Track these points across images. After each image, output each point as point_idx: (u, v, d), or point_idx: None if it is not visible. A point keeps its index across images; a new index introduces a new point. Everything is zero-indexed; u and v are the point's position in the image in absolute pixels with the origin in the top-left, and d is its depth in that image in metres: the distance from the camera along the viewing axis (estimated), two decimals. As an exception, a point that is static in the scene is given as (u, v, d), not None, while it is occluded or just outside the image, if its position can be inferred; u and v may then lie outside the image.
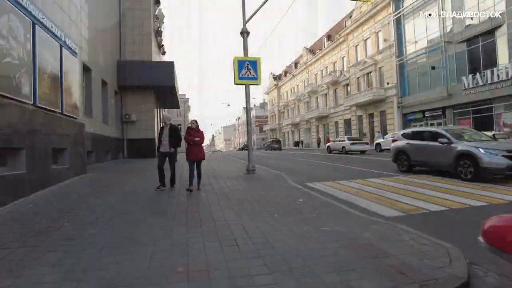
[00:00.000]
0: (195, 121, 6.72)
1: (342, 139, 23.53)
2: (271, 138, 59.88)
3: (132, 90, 18.97)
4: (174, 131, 6.75)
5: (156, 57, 22.34)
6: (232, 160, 17.20)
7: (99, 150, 13.59)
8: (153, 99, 19.60)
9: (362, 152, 21.48)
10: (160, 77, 18.62)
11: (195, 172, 6.63)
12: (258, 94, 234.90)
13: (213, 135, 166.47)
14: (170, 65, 19.30)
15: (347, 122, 37.60)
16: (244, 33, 9.23)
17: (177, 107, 28.11)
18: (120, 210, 4.94)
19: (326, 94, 42.88)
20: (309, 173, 10.35)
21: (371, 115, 32.20)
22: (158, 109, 23.78)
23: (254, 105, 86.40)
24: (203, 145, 6.90)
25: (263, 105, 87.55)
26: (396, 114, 27.74)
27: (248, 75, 9.01)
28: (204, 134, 6.80)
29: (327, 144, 25.87)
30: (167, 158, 6.77)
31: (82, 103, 11.79)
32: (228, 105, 60.38)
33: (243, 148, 60.88)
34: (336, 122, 40.35)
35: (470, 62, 20.95)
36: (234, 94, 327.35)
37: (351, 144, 21.68)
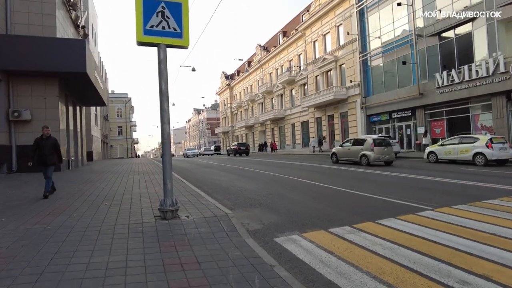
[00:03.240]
0: None
1: (206, 148, 49.53)
2: (215, 145, 55.70)
3: (25, 77, 13.57)
4: None
5: (68, 37, 16.88)
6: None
7: None
8: (58, 91, 14.26)
9: (211, 154, 42.53)
10: (66, 61, 13.39)
11: None
12: (209, 94, 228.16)
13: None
14: (80, 43, 14.02)
15: (305, 125, 34.81)
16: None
17: (102, 104, 22.26)
18: None
19: (281, 95, 39.85)
20: (275, 202, 6.38)
21: (331, 117, 29.54)
22: (71, 106, 18.21)
23: (205, 106, 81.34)
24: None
25: (215, 106, 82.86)
26: (359, 116, 25.21)
27: (164, 28, 4.74)
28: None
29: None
30: None
31: None
32: (173, 104, 52.88)
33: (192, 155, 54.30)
34: (293, 125, 37.47)
35: (443, 58, 18.78)
36: (185, 92, 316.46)
37: (204, 150, 46.14)
